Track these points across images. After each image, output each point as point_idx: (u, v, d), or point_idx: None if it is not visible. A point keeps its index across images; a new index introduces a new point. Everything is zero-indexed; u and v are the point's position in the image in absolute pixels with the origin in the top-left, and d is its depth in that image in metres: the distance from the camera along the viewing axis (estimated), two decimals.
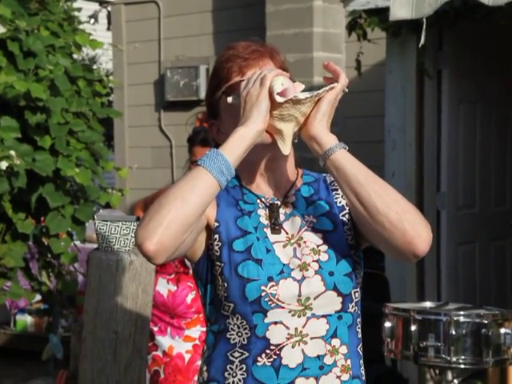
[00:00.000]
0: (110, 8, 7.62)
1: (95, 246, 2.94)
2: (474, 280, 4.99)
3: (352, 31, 4.75)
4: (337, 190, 1.67)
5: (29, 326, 5.99)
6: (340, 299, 1.58)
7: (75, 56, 4.32)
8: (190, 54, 6.86)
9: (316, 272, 1.57)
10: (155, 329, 3.16)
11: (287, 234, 1.61)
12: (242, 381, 1.56)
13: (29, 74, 3.70)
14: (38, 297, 4.34)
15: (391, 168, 4.75)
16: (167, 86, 6.84)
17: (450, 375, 3.25)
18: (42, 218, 3.95)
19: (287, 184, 1.65)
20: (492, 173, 5.17)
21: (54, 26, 3.98)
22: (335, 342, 1.57)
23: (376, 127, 5.43)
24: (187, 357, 3.13)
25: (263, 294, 1.54)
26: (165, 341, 3.16)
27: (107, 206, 4.19)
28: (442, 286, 4.73)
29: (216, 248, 1.59)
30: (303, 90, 1.58)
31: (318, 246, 1.59)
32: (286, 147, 1.57)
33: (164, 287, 3.17)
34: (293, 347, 1.54)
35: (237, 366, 1.56)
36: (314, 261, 1.58)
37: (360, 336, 1.64)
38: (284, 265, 1.57)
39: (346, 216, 1.64)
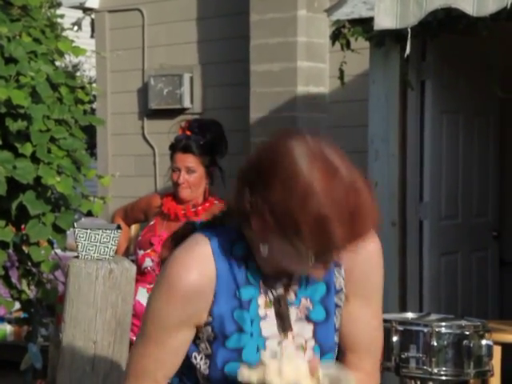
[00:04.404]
0: (93, 15, 7.59)
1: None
2: (455, 290, 5.00)
3: (336, 41, 4.76)
4: (340, 266, 1.54)
5: (8, 335, 5.92)
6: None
7: (58, 63, 4.29)
8: (174, 62, 6.84)
9: None
10: (135, 338, 3.13)
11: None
12: None
13: (10, 80, 3.67)
14: (18, 305, 4.29)
15: (374, 178, 4.75)
16: (151, 94, 6.82)
17: None
18: (23, 226, 3.91)
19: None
20: (474, 183, 5.18)
21: (36, 32, 3.96)
22: None
23: (359, 137, 5.43)
24: None
25: None
26: None
27: (89, 214, 4.16)
28: (424, 296, 4.73)
29: (206, 342, 1.52)
30: None
31: (306, 342, 1.52)
32: None
33: (144, 297, 3.15)
34: None
35: None
36: None
37: None
38: None
39: (341, 297, 1.56)
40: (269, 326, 1.52)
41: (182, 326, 1.50)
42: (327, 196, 1.34)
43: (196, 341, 1.53)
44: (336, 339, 1.56)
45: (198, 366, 1.53)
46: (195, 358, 1.54)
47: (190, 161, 3.31)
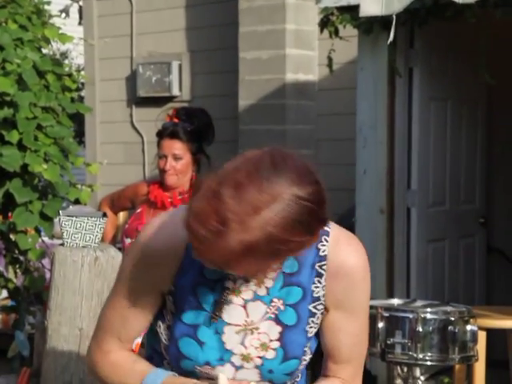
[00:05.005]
0: (81, 2, 7.55)
1: None
2: (443, 277, 5.02)
3: (324, 28, 4.75)
4: (321, 276, 1.50)
5: None
6: None
7: (45, 50, 4.28)
8: (163, 49, 6.82)
9: (256, 367, 1.51)
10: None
11: (247, 317, 1.50)
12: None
13: None
14: (5, 293, 4.29)
15: (362, 166, 4.76)
16: (139, 82, 6.80)
17: (417, 372, 3.26)
18: (10, 214, 3.91)
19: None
20: (462, 170, 5.20)
21: (23, 19, 3.94)
22: None
23: (348, 125, 5.44)
24: None
25: (197, 370, 1.51)
26: None
27: (77, 202, 4.16)
28: (411, 282, 4.75)
29: (169, 312, 1.53)
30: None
31: (270, 341, 1.50)
32: None
33: None
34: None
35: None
36: (258, 357, 1.50)
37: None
38: (226, 351, 1.50)
39: (318, 307, 1.52)
40: (233, 312, 1.50)
41: (146, 289, 1.51)
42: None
43: (163, 310, 1.54)
44: (307, 348, 1.53)
45: (161, 336, 1.54)
46: (159, 326, 1.55)
47: (176, 147, 3.31)
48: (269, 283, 1.50)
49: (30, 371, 2.81)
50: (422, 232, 4.83)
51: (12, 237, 3.93)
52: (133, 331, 1.56)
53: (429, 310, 3.17)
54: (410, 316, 3.09)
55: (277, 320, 1.50)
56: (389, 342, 3.09)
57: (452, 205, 5.12)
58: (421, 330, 3.07)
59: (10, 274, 4.04)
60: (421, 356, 3.07)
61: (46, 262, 4.07)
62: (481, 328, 3.36)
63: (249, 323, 1.50)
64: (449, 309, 3.20)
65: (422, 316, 3.09)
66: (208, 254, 1.32)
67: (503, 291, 5.22)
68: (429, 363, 3.13)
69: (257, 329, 1.50)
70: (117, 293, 1.55)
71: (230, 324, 1.50)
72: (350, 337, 1.54)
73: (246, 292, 1.50)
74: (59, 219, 2.88)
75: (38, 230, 3.97)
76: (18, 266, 3.98)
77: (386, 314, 3.12)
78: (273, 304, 1.50)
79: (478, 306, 3.94)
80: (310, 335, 1.52)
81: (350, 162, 5.22)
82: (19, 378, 2.79)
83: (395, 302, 3.46)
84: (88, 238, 2.84)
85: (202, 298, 1.49)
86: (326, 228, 1.50)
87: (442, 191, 5.04)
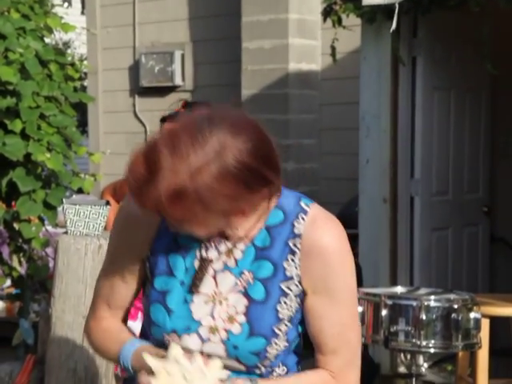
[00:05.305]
0: None
1: None
2: (446, 265, 5.02)
3: (327, 17, 4.74)
4: (294, 253, 1.48)
5: (0, 311, 5.94)
6: (243, 367, 1.49)
7: (48, 40, 4.27)
8: (165, 39, 6.81)
9: (221, 341, 1.48)
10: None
11: (216, 288, 1.49)
12: None
13: None
14: (10, 282, 4.30)
15: (365, 155, 4.75)
16: (142, 72, 6.79)
17: (420, 359, 3.26)
18: (13, 203, 3.91)
19: (242, 231, 1.46)
20: (465, 159, 5.19)
21: (25, 8, 3.94)
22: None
23: (351, 114, 5.43)
24: None
25: (165, 338, 1.51)
26: (135, 325, 3.14)
27: (80, 191, 4.16)
28: (414, 271, 4.75)
29: (148, 277, 1.55)
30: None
31: (236, 314, 1.48)
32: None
33: None
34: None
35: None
36: (224, 329, 1.48)
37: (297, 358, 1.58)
38: (194, 321, 1.49)
39: (292, 287, 1.48)
40: (203, 281, 1.49)
41: (127, 255, 1.54)
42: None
43: (147, 282, 1.57)
44: (279, 331, 1.49)
45: (144, 304, 1.57)
46: (144, 292, 1.58)
47: None
48: (238, 254, 1.49)
49: (35, 358, 2.82)
50: (426, 221, 4.83)
51: (16, 226, 3.94)
52: (120, 297, 1.59)
53: (432, 297, 3.17)
54: (414, 304, 3.10)
55: (245, 294, 1.48)
56: (392, 330, 3.09)
57: (455, 194, 5.11)
58: (424, 317, 3.07)
59: (14, 263, 4.05)
60: (424, 343, 3.07)
61: (49, 250, 4.08)
62: (484, 316, 3.36)
63: (217, 294, 1.49)
64: (452, 296, 3.21)
65: (426, 304, 3.10)
66: (141, 198, 1.36)
67: (506, 280, 5.22)
68: (432, 351, 3.13)
69: (226, 299, 1.49)
70: (106, 261, 1.61)
71: (199, 293, 1.50)
72: (333, 326, 1.50)
73: (217, 263, 1.50)
74: (63, 207, 2.88)
75: (41, 219, 3.97)
76: (21, 254, 3.99)
77: (390, 302, 3.13)
78: (243, 276, 1.49)
79: (481, 294, 3.94)
80: (281, 316, 1.48)
81: (352, 151, 5.22)
82: (24, 365, 2.81)
83: (399, 289, 3.46)
84: (91, 226, 2.85)
85: (174, 265, 1.50)
86: (304, 207, 1.50)
87: (446, 180, 5.04)
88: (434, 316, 3.09)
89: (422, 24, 4.74)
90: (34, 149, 3.75)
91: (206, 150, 1.32)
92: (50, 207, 3.85)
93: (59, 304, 2.75)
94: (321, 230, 1.48)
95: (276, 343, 1.49)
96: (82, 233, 2.84)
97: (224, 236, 1.47)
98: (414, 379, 3.28)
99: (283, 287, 1.49)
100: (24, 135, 3.75)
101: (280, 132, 5.86)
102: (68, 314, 2.73)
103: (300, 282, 1.49)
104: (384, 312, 3.11)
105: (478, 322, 3.11)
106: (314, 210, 1.51)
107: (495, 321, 3.71)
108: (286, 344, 1.52)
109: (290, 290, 1.49)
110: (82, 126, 8.91)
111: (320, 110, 6.19)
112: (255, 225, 1.47)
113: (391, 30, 4.07)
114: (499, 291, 4.75)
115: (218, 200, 1.33)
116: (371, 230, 4.56)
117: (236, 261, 1.49)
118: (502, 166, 5.47)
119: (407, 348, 3.10)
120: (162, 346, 1.51)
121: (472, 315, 3.10)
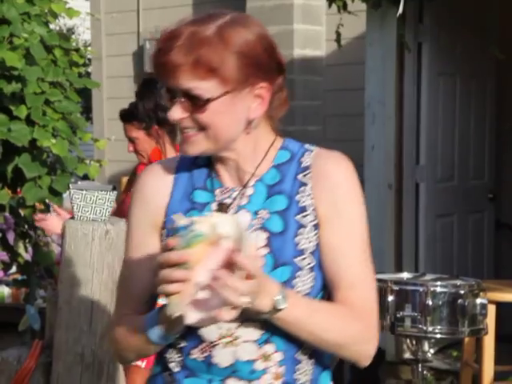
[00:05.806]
0: None
1: None
2: (451, 251, 5.03)
3: (332, 3, 4.72)
4: (305, 185, 1.53)
5: (6, 297, 5.96)
6: None
7: (52, 26, 4.25)
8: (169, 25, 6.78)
9: None
10: None
11: None
12: (177, 368, 1.53)
13: (3, 42, 3.63)
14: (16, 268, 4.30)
15: (371, 141, 4.75)
16: (146, 58, 6.77)
17: (426, 345, 3.27)
18: (19, 189, 3.91)
19: (251, 169, 1.54)
20: (471, 146, 5.18)
21: None
22: (269, 347, 1.50)
23: (356, 100, 5.41)
24: None
25: None
26: None
27: (85, 177, 4.16)
28: (419, 257, 4.76)
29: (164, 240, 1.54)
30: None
31: (257, 249, 1.48)
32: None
33: None
34: (224, 347, 1.49)
35: (174, 352, 1.54)
36: None
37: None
38: None
39: (307, 218, 1.52)
40: None
41: (147, 227, 1.57)
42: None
43: None
44: (303, 264, 1.51)
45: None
46: None
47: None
48: (249, 191, 1.54)
49: (42, 343, 2.83)
50: (431, 207, 4.83)
51: (21, 212, 3.93)
52: (141, 281, 1.56)
53: (438, 283, 3.17)
54: (420, 289, 3.10)
55: (263, 228, 1.51)
56: (398, 316, 3.09)
57: (461, 180, 5.11)
58: (430, 303, 3.07)
59: (20, 249, 4.05)
60: (430, 329, 3.07)
61: (55, 236, 4.08)
62: (491, 301, 3.36)
63: None
64: (458, 282, 3.21)
65: (432, 289, 3.10)
66: (161, 61, 1.49)
67: None
68: (438, 336, 3.13)
69: None
70: (127, 242, 1.61)
71: None
72: (346, 258, 1.51)
73: (232, 209, 1.53)
74: (69, 192, 2.88)
75: (47, 205, 3.97)
76: (27, 240, 3.99)
77: (396, 288, 3.13)
78: (258, 216, 1.52)
79: (487, 280, 3.95)
80: (301, 247, 1.51)
81: (357, 137, 5.21)
82: (31, 349, 2.82)
83: (404, 275, 3.47)
84: (98, 212, 2.84)
85: None
86: (309, 147, 1.58)
87: (451, 166, 5.03)
88: (441, 302, 3.09)
89: (427, 10, 4.72)
90: (40, 135, 3.74)
91: (221, 23, 1.48)
92: (55, 193, 3.84)
93: (66, 289, 2.76)
94: (327, 158, 1.56)
95: (300, 277, 1.51)
96: (88, 218, 2.84)
97: (236, 178, 1.54)
98: (419, 365, 3.28)
99: (298, 219, 1.52)
100: (29, 121, 3.74)
101: (284, 118, 5.85)
102: (75, 300, 2.74)
103: (315, 212, 1.53)
104: (390, 298, 3.11)
105: (484, 307, 3.11)
106: (319, 149, 1.59)
107: (501, 307, 3.71)
108: (311, 285, 1.52)
109: (307, 222, 1.52)
110: (86, 112, 8.90)
111: (325, 96, 6.18)
112: (262, 161, 1.54)
113: (397, 15, 4.05)
114: (505, 277, 4.75)
115: (226, 68, 1.45)
116: (376, 216, 4.56)
117: (249, 197, 1.54)
118: (507, 153, 5.47)
119: (413, 333, 3.11)
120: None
121: (478, 301, 3.10)
